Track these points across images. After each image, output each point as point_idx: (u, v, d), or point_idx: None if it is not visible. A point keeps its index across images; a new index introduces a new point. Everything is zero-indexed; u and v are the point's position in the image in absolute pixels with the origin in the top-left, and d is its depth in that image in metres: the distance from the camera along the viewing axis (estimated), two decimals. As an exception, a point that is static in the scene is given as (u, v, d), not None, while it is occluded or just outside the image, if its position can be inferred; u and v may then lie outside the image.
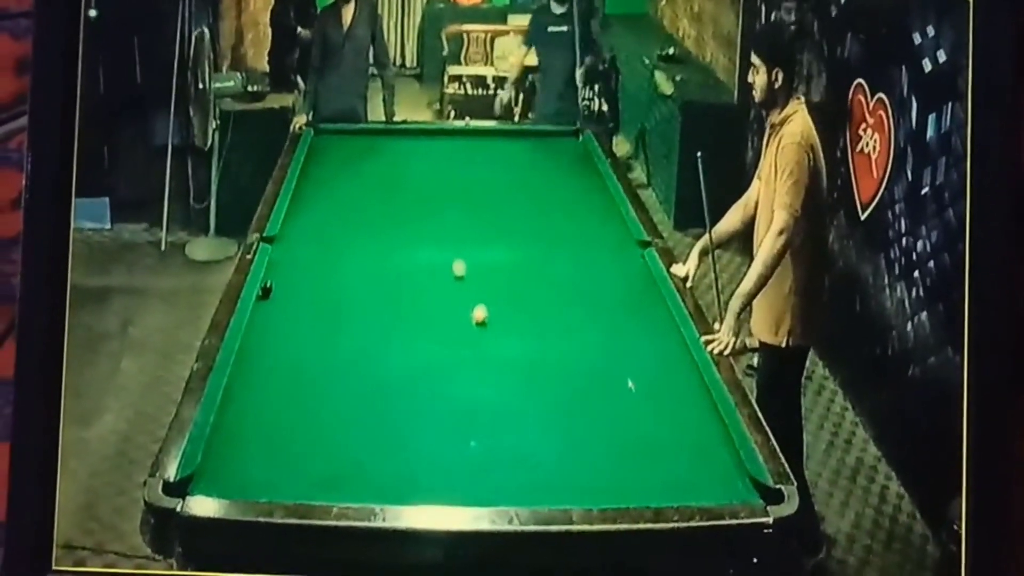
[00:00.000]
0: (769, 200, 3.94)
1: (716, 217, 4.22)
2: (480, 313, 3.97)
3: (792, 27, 4.40)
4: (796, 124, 3.95)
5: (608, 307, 4.18)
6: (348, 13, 5.32)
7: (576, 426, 3.50)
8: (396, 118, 5.56)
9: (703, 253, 4.16)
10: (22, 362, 2.84)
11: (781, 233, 3.85)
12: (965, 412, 2.88)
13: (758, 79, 3.99)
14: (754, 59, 4.01)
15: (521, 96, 5.64)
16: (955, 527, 2.95)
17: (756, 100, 4.04)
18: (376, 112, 5.50)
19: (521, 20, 5.87)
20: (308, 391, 3.62)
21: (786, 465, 3.27)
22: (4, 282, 3.00)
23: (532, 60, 5.67)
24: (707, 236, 4.14)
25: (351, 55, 5.34)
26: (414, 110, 5.80)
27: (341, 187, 4.98)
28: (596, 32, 5.52)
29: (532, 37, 5.56)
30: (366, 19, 5.36)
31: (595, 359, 3.83)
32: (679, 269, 4.24)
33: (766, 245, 3.88)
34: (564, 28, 5.39)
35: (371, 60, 5.42)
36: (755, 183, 4.05)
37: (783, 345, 3.95)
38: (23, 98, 2.97)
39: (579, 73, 5.41)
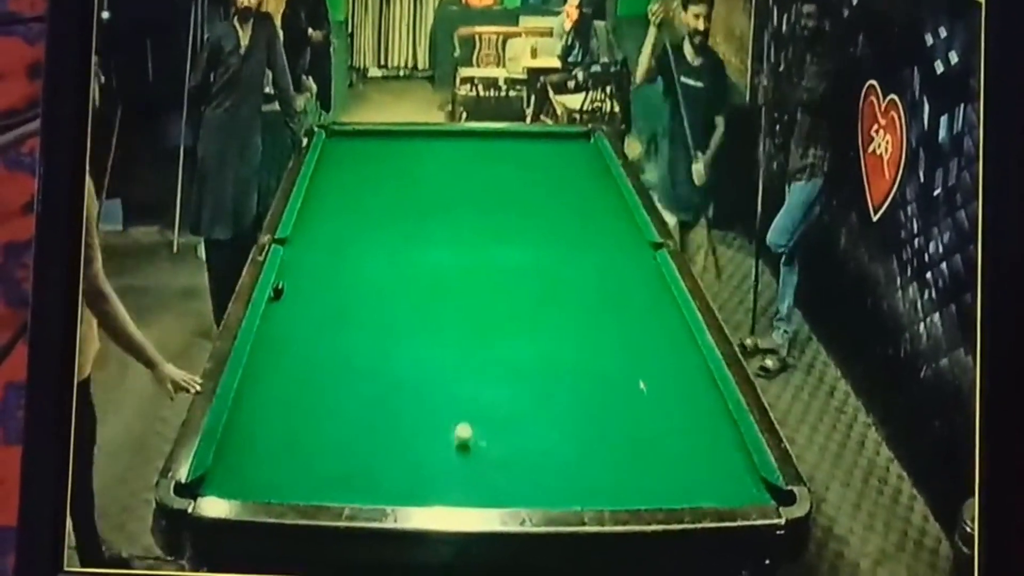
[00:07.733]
0: None
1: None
2: (464, 432, 3.41)
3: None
4: None
5: (620, 308, 4.17)
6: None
7: (587, 427, 3.50)
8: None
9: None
10: (35, 365, 2.85)
11: None
12: (978, 413, 2.87)
13: None
14: None
15: (533, 96, 5.63)
16: (968, 528, 2.94)
17: None
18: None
19: (532, 21, 5.87)
20: (319, 392, 3.62)
21: (798, 466, 3.27)
22: (17, 286, 3.01)
23: (537, 62, 5.66)
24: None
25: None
26: (425, 112, 5.80)
27: (353, 188, 4.98)
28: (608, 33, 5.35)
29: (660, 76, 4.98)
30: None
31: (606, 360, 3.82)
32: None
33: None
34: (699, 84, 4.87)
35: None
36: None
37: None
38: (35, 103, 2.98)
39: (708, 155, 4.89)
